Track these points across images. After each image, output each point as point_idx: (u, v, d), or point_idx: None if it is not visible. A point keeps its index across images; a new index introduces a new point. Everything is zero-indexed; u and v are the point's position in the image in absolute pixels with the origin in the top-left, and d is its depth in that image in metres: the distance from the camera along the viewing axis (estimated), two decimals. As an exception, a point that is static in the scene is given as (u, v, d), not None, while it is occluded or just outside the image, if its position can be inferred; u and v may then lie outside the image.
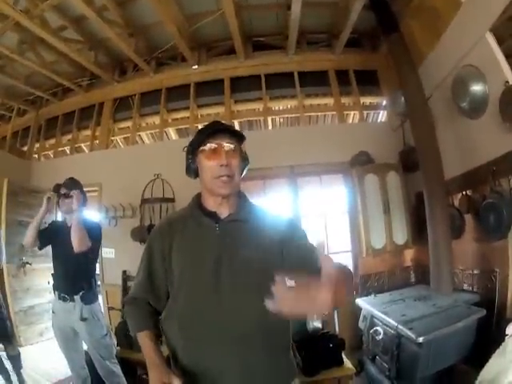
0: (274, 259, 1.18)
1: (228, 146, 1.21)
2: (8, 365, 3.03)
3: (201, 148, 1.24)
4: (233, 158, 1.22)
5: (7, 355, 3.01)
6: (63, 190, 2.57)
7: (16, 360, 3.03)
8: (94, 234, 2.58)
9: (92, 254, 2.59)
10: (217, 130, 1.24)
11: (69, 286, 2.52)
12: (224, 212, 1.26)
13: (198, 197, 1.32)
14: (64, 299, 2.52)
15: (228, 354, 1.12)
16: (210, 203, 1.27)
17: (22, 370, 3.06)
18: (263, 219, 1.28)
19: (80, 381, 2.62)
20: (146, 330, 1.24)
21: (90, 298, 2.55)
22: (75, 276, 2.51)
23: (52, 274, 2.66)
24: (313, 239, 1.26)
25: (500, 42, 2.72)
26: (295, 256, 1.19)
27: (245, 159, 1.32)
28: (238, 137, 1.27)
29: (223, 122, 1.33)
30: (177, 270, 1.21)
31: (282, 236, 1.23)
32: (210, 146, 1.22)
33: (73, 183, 2.63)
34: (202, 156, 1.24)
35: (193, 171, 1.29)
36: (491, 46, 2.72)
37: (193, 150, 1.27)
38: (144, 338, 1.22)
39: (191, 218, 1.27)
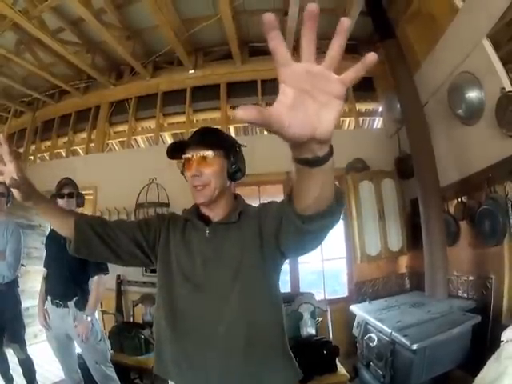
0: (256, 258, 1.17)
1: (199, 155, 1.20)
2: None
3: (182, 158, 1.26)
4: (206, 167, 1.20)
5: (19, 360, 2.94)
6: (60, 190, 2.55)
7: (26, 364, 2.96)
8: None
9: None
10: (176, 146, 1.26)
11: (62, 292, 2.50)
12: (216, 216, 1.28)
13: None
14: (57, 305, 2.49)
15: (209, 354, 1.11)
16: (202, 208, 1.31)
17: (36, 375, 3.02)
18: (250, 218, 1.26)
19: (73, 384, 2.60)
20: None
21: (83, 304, 2.52)
22: (69, 282, 2.48)
23: (44, 278, 2.63)
24: None
25: (497, 47, 2.71)
26: (272, 224, 1.10)
27: (232, 164, 1.26)
28: (215, 144, 1.23)
29: (217, 127, 1.35)
30: (165, 266, 1.25)
31: (259, 223, 1.19)
32: (184, 156, 1.23)
33: (69, 183, 2.62)
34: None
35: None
36: (488, 52, 2.71)
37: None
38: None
39: (189, 220, 1.31)
